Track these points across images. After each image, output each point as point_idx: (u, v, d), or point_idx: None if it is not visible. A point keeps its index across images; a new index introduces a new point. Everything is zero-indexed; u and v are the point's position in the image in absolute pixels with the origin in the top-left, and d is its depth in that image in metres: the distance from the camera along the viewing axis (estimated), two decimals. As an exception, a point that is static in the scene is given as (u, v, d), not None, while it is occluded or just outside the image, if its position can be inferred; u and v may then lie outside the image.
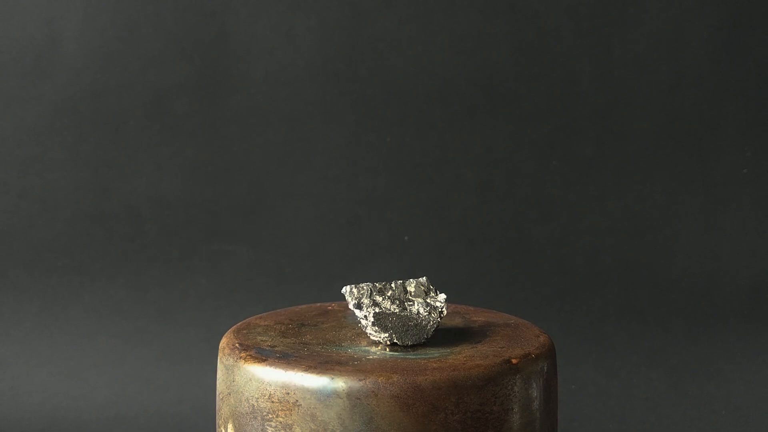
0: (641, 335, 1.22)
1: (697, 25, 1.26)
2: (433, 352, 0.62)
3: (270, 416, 0.59)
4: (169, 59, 1.24)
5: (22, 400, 1.12)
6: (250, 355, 0.61)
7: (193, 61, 1.24)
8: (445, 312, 0.63)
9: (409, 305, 0.63)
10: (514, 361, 0.60)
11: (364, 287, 0.63)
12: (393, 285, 0.64)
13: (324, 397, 0.58)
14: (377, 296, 0.63)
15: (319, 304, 0.72)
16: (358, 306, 0.62)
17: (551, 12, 1.26)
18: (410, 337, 0.62)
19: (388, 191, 1.26)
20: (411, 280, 0.64)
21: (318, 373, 0.58)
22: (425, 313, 0.63)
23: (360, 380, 0.58)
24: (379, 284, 0.63)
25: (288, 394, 0.59)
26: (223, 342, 0.64)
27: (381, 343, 0.63)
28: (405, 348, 0.62)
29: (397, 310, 0.62)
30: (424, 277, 0.65)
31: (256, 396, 0.60)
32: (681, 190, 1.25)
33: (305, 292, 1.22)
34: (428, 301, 0.63)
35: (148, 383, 1.15)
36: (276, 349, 0.62)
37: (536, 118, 1.26)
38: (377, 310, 0.62)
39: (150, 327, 1.21)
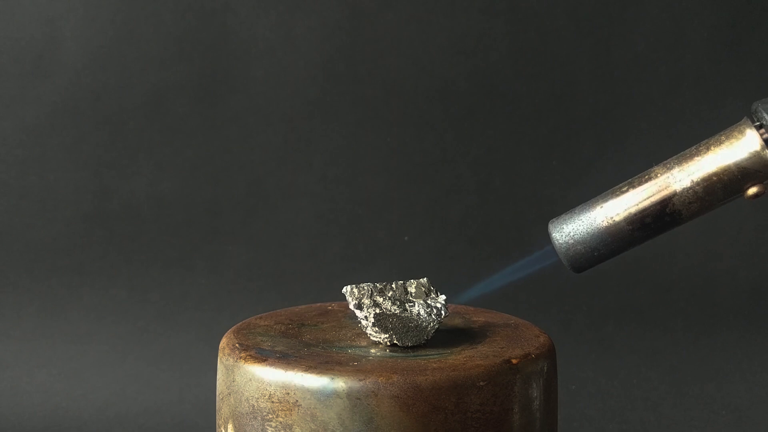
0: (641, 335, 1.22)
1: (697, 25, 1.26)
2: (433, 352, 0.62)
3: (270, 416, 0.59)
4: (169, 59, 1.24)
5: (22, 400, 1.12)
6: (250, 355, 0.61)
7: (193, 61, 1.24)
8: (445, 314, 0.63)
9: (410, 306, 0.63)
10: (514, 361, 0.60)
11: (365, 287, 0.63)
12: (394, 285, 0.64)
13: (324, 397, 0.58)
14: (378, 297, 0.63)
15: (319, 304, 0.72)
16: (359, 306, 0.62)
17: (551, 12, 1.26)
18: (410, 338, 0.62)
19: (388, 191, 1.26)
20: (412, 280, 0.64)
21: (318, 373, 0.58)
22: (425, 315, 0.62)
23: (360, 380, 0.58)
24: (380, 284, 0.63)
25: (288, 394, 0.59)
26: (223, 342, 0.64)
27: (381, 343, 0.63)
28: (405, 348, 0.62)
29: (397, 311, 0.62)
30: (425, 278, 0.65)
31: (256, 396, 0.60)
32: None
33: (305, 292, 1.22)
34: (429, 302, 0.63)
35: (148, 383, 1.15)
36: (276, 349, 0.62)
37: (536, 118, 1.26)
38: (378, 310, 0.62)
39: (150, 327, 1.21)
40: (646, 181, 0.62)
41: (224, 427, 0.62)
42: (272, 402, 0.59)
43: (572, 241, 0.63)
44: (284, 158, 1.25)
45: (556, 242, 0.64)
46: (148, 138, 1.24)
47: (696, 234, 1.26)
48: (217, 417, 0.64)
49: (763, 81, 1.26)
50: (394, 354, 0.62)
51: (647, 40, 1.26)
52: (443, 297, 0.64)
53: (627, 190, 0.63)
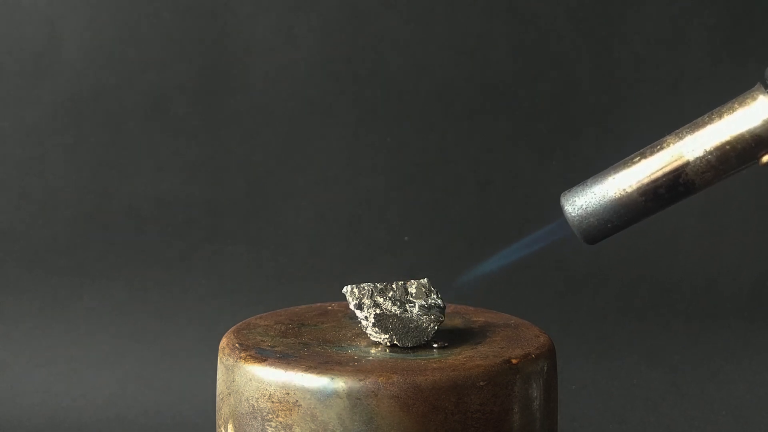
0: (641, 335, 1.22)
1: (697, 25, 1.26)
2: (433, 353, 0.62)
3: (270, 416, 0.59)
4: (169, 59, 1.24)
5: (22, 400, 1.12)
6: (250, 355, 0.61)
7: (193, 61, 1.24)
8: (444, 315, 0.63)
9: (410, 307, 0.63)
10: (514, 361, 0.60)
11: (366, 287, 0.63)
12: (394, 285, 0.64)
13: (324, 397, 0.58)
14: (378, 297, 0.63)
15: (319, 304, 0.72)
16: (359, 306, 0.62)
17: (551, 12, 1.26)
18: (410, 338, 0.62)
19: (388, 191, 1.26)
20: (412, 281, 0.64)
21: (318, 373, 0.58)
22: (426, 316, 0.63)
23: (360, 380, 0.58)
24: (381, 285, 0.63)
25: (288, 394, 0.59)
26: (223, 342, 0.64)
27: (381, 343, 0.63)
28: (405, 348, 0.62)
29: (397, 312, 0.62)
30: (425, 278, 0.65)
31: (256, 396, 0.60)
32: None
33: (305, 292, 1.22)
34: (429, 302, 0.63)
35: (148, 383, 1.15)
36: (276, 349, 0.62)
37: (536, 118, 1.26)
38: (378, 311, 0.62)
39: (150, 327, 1.21)
40: (658, 151, 0.61)
41: (224, 427, 0.62)
42: (272, 402, 0.59)
43: (585, 213, 0.62)
44: (284, 158, 1.25)
45: (569, 215, 0.62)
46: (148, 138, 1.24)
47: (697, 234, 1.26)
48: (217, 417, 0.64)
49: (763, 81, 1.26)
50: (394, 354, 0.62)
51: (647, 40, 1.26)
52: (441, 300, 0.64)
53: (639, 161, 0.61)
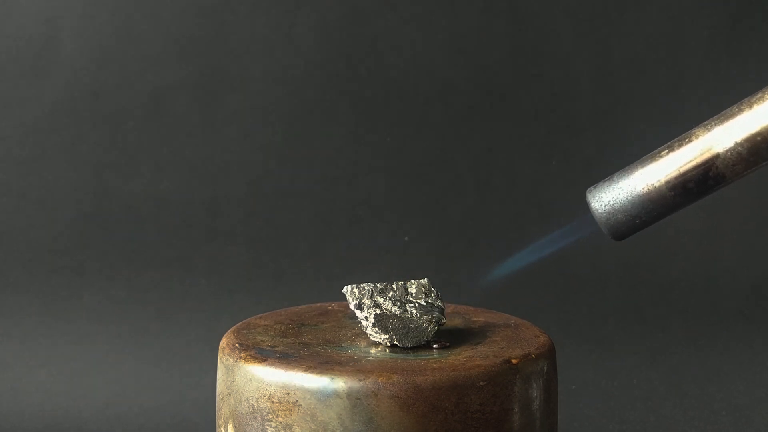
0: (641, 335, 1.22)
1: (697, 25, 1.26)
2: (433, 353, 0.62)
3: (270, 416, 0.59)
4: (168, 59, 1.24)
5: (22, 400, 1.12)
6: (250, 355, 0.61)
7: (192, 60, 1.24)
8: (445, 316, 0.63)
9: (410, 307, 0.63)
10: (514, 361, 0.60)
11: (366, 288, 0.63)
12: (394, 286, 0.64)
13: (324, 397, 0.58)
14: (378, 297, 0.63)
15: (319, 304, 0.72)
16: (359, 306, 0.62)
17: (551, 12, 1.26)
18: (410, 339, 0.62)
19: (388, 191, 1.26)
20: (412, 281, 0.64)
21: (318, 373, 0.58)
22: (426, 316, 0.62)
23: (360, 380, 0.58)
24: (381, 285, 0.63)
25: (288, 394, 0.59)
26: (223, 342, 0.64)
27: (381, 343, 0.63)
28: (405, 348, 0.62)
29: (398, 312, 0.62)
30: (425, 279, 0.65)
31: (256, 396, 0.60)
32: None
33: (305, 292, 1.22)
34: (429, 303, 0.63)
35: (148, 383, 1.15)
36: (276, 349, 0.62)
37: (536, 118, 1.26)
38: (378, 311, 0.62)
39: (150, 327, 1.21)
40: (687, 143, 0.59)
41: (224, 427, 0.62)
42: (272, 402, 0.59)
43: (612, 210, 0.60)
44: (284, 158, 1.25)
45: (596, 212, 0.60)
46: (148, 138, 1.24)
47: (697, 234, 1.26)
48: (217, 417, 0.64)
49: (764, 81, 1.26)
50: (394, 354, 0.62)
51: (647, 40, 1.26)
52: (440, 301, 0.64)
53: (667, 154, 0.59)
